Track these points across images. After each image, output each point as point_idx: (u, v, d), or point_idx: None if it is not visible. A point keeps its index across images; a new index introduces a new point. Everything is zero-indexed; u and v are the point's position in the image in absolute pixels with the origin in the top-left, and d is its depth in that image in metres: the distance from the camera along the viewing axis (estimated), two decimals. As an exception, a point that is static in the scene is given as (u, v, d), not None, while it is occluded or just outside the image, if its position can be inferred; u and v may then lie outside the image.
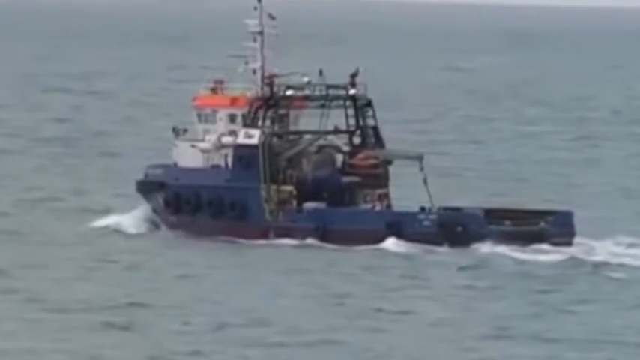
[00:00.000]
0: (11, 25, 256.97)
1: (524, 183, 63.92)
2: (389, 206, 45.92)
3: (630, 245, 44.69)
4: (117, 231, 46.90)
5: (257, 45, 48.05)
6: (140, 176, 48.22)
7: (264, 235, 45.87)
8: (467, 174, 66.65)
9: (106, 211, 48.69)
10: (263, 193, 45.81)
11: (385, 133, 48.45)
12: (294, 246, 45.23)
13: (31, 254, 44.34)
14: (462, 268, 42.03)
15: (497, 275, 41.62)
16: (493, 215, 46.91)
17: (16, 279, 40.85)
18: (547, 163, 73.17)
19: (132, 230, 47.14)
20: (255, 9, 46.33)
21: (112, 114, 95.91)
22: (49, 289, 39.26)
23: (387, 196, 45.95)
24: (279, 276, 41.17)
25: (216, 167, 47.08)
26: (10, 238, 46.60)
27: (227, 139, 45.90)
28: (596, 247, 43.74)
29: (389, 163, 46.93)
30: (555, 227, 44.92)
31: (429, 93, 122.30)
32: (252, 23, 47.97)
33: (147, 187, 47.03)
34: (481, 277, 41.62)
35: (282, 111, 46.98)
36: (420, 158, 46.56)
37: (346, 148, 46.87)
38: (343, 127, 46.71)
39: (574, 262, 43.60)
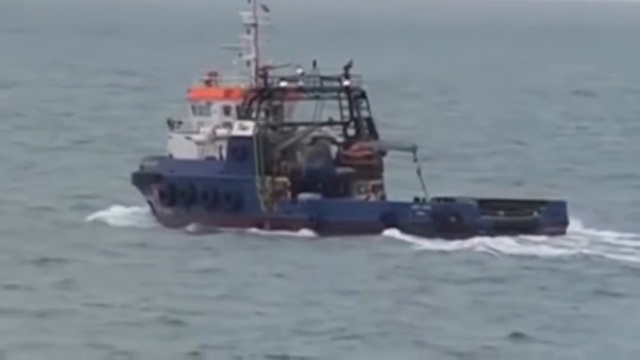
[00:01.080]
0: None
1: None
2: (383, 197, 45.90)
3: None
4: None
5: (251, 37, 48.21)
6: (135, 168, 48.30)
7: (259, 226, 45.91)
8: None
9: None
10: (258, 185, 45.90)
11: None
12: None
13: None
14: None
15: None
16: (487, 205, 46.81)
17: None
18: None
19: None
20: (249, 1, 46.65)
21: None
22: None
23: (381, 187, 46.13)
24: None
25: (210, 159, 46.92)
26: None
27: (221, 131, 45.95)
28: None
29: (383, 154, 46.44)
30: (548, 217, 45.18)
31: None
32: (246, 15, 48.10)
33: (142, 180, 47.02)
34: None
35: (276, 103, 47.05)
36: (413, 149, 46.45)
37: (340, 140, 46.66)
38: (337, 119, 46.40)
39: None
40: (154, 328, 33.79)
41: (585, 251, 43.33)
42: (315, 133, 46.88)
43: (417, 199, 44.63)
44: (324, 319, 34.49)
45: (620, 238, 45.77)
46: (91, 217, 48.60)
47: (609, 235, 45.89)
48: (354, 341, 32.13)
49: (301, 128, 46.97)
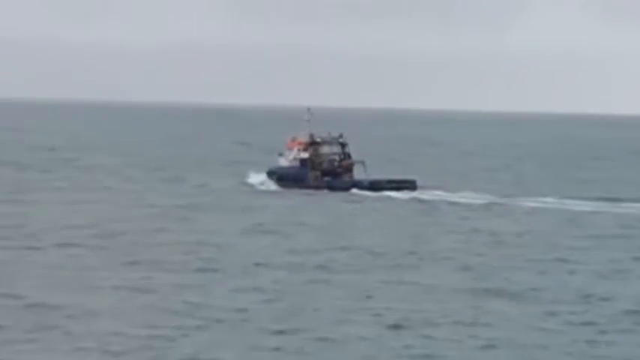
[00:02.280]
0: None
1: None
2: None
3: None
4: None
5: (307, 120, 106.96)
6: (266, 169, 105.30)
7: (308, 189, 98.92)
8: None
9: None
10: (310, 174, 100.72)
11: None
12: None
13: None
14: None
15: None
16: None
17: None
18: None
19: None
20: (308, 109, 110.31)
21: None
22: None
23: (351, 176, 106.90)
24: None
25: (292, 166, 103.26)
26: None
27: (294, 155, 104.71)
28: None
29: (352, 165, 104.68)
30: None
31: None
32: (306, 114, 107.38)
33: (270, 173, 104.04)
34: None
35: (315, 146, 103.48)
36: (363, 162, 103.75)
37: (339, 158, 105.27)
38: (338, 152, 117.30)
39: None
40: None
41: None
42: (330, 156, 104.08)
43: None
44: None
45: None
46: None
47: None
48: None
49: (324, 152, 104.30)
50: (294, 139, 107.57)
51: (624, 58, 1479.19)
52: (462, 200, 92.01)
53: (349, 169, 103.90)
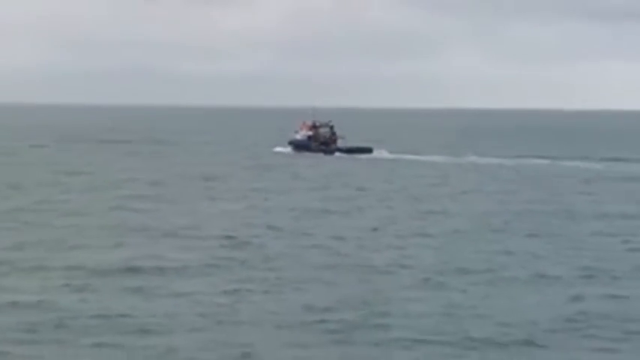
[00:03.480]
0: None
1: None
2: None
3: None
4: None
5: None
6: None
7: (314, 152, 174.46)
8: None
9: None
10: (312, 144, 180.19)
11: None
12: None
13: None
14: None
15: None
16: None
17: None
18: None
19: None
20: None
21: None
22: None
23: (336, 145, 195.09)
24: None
25: (303, 140, 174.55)
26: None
27: (304, 134, 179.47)
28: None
29: (337, 138, 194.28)
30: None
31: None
32: (310, 111, 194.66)
33: (291, 143, 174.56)
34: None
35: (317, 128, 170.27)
36: (342, 136, 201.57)
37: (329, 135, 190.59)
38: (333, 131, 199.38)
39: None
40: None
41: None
42: (324, 133, 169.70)
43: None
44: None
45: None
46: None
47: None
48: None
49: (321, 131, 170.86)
50: (304, 123, 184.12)
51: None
52: (391, 156, 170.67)
53: (335, 141, 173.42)
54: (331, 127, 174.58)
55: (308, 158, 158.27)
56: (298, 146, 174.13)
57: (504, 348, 41.12)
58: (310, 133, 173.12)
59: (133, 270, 55.26)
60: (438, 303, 48.08)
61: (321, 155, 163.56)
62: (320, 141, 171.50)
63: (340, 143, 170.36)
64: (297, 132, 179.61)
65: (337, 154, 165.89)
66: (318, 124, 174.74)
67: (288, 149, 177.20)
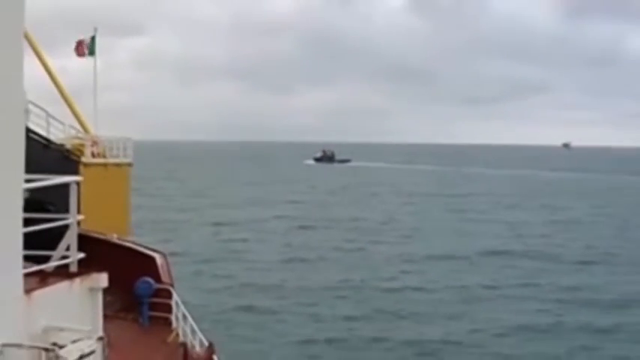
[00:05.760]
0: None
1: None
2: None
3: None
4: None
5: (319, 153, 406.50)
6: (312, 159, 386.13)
7: None
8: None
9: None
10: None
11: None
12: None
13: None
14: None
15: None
16: None
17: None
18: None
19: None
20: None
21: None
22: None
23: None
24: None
25: (318, 157, 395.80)
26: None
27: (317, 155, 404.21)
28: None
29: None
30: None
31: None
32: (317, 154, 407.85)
33: (314, 159, 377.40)
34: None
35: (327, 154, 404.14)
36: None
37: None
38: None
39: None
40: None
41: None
42: (328, 154, 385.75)
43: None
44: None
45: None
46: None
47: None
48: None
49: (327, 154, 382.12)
50: (319, 151, 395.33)
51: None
52: (367, 165, 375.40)
53: (333, 157, 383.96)
54: (332, 152, 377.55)
55: (321, 165, 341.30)
56: (317, 160, 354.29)
57: None
58: (321, 154, 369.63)
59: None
60: None
61: (327, 165, 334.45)
62: (327, 157, 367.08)
63: (337, 156, 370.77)
64: (316, 154, 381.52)
65: (335, 163, 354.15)
66: (325, 150, 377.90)
67: (312, 162, 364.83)
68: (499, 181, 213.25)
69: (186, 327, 23.79)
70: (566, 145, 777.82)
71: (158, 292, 25.92)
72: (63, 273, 11.20)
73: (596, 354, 44.47)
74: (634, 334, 48.99)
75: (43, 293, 9.94)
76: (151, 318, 25.68)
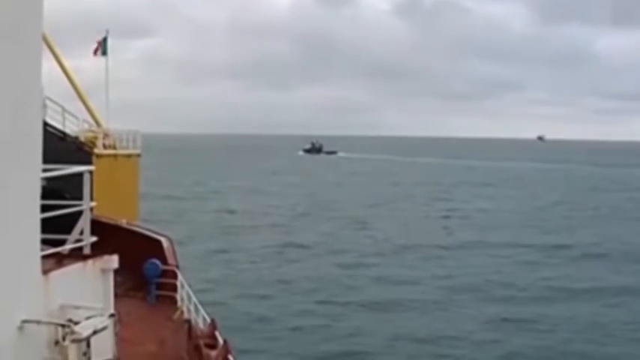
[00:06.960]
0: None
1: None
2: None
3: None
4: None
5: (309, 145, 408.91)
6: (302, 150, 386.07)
7: None
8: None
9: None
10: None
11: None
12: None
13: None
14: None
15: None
16: None
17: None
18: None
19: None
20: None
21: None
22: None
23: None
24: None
25: (307, 148, 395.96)
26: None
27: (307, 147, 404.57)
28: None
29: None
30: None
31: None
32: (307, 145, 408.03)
33: (304, 150, 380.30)
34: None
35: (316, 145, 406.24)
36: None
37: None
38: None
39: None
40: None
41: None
42: (316, 145, 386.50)
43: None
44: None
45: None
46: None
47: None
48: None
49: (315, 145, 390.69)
50: (310, 142, 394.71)
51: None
52: (350, 156, 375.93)
53: (321, 148, 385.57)
54: (320, 144, 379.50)
55: (310, 155, 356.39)
56: (306, 151, 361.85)
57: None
58: (310, 146, 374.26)
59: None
60: None
61: (315, 155, 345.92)
62: (315, 149, 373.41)
63: (324, 148, 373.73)
64: (305, 146, 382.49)
65: (322, 154, 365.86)
66: (314, 141, 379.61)
67: (302, 153, 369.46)
68: (482, 171, 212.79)
69: (190, 305, 23.67)
70: (540, 138, 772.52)
71: (164, 273, 25.74)
72: (77, 255, 11.17)
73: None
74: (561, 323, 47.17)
75: (59, 274, 9.94)
76: (157, 297, 25.69)
